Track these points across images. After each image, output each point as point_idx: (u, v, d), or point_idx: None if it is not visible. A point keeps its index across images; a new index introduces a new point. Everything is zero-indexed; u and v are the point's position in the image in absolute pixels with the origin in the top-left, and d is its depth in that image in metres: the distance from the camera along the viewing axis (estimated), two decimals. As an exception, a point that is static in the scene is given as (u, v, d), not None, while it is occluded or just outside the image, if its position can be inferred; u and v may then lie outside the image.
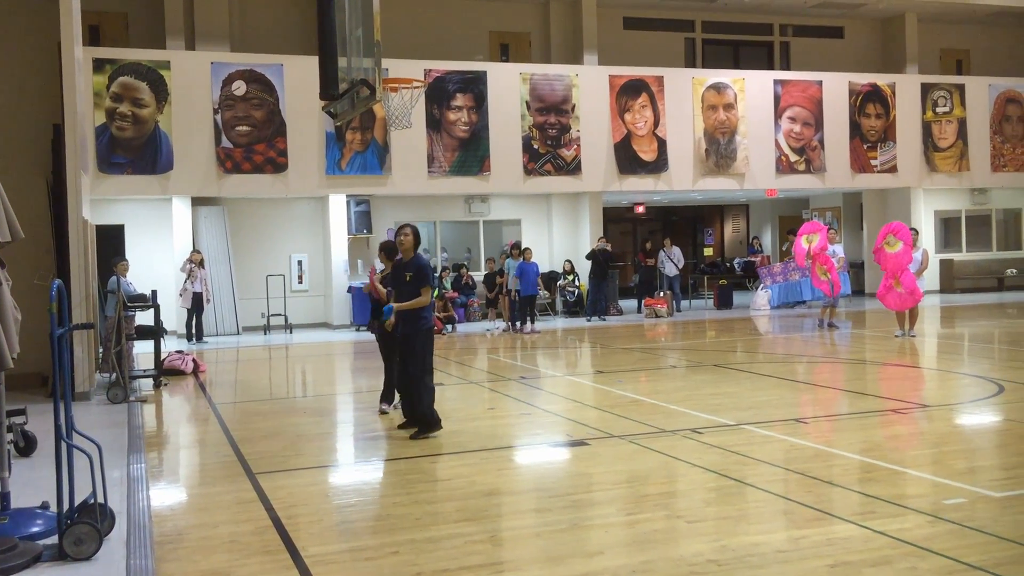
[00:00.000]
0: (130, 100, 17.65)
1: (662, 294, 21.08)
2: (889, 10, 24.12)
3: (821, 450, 7.26)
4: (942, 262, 24.74)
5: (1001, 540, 4.93)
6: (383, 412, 9.33)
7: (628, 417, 8.71)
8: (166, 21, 18.94)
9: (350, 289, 19.20)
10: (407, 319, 8.15)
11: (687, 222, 29.60)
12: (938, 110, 23.59)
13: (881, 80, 23.22)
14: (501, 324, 18.95)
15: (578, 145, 20.55)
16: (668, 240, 22.40)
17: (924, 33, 24.91)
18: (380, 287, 9.12)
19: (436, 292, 8.78)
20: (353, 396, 11.59)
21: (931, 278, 22.89)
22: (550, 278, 21.39)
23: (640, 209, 26.28)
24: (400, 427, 8.39)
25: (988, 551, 4.77)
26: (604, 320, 19.78)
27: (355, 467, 7.55)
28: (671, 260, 21.63)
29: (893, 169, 23.16)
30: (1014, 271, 25.39)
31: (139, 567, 4.86)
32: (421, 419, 8.11)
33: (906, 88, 23.37)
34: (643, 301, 21.21)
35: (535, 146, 20.26)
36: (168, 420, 10.24)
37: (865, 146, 22.88)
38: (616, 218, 26.89)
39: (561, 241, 22.07)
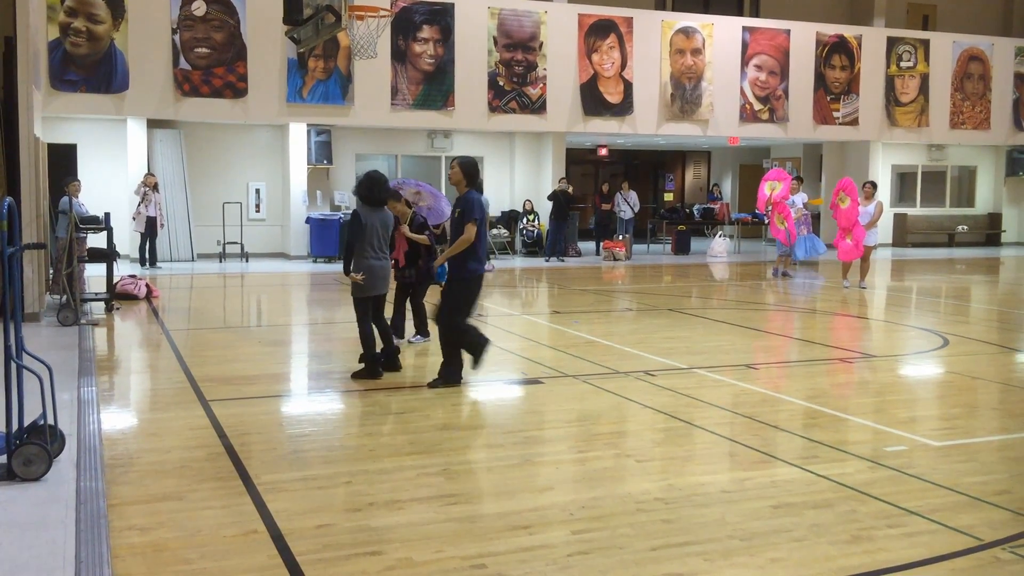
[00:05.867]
0: (85, 15, 17.08)
1: (621, 237, 21.17)
2: (860, -39, 24.06)
3: (769, 395, 7.41)
4: (896, 216, 25.09)
5: (937, 487, 5.10)
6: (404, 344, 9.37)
7: (582, 357, 8.81)
8: (124, -66, 18.26)
9: (308, 220, 18.99)
10: (452, 263, 7.44)
11: (648, 166, 29.60)
12: (902, 64, 23.70)
13: (848, 32, 23.22)
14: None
15: (544, 84, 20.35)
16: (626, 184, 22.42)
17: (893, -14, 24.93)
18: (409, 233, 9.04)
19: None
20: (308, 327, 11.56)
21: (884, 232, 23.26)
22: (510, 217, 21.35)
23: (603, 151, 26.22)
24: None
25: (924, 497, 4.93)
26: (562, 261, 19.84)
27: (308, 398, 7.57)
28: (627, 204, 21.67)
29: (855, 122, 23.29)
30: (965, 228, 25.88)
31: (89, 489, 4.85)
32: (470, 349, 7.53)
33: (872, 41, 23.41)
34: (601, 243, 21.32)
35: (501, 83, 20.02)
36: (120, 344, 10.15)
37: (828, 98, 22.95)
38: (579, 159, 26.80)
39: (523, 180, 21.97)
